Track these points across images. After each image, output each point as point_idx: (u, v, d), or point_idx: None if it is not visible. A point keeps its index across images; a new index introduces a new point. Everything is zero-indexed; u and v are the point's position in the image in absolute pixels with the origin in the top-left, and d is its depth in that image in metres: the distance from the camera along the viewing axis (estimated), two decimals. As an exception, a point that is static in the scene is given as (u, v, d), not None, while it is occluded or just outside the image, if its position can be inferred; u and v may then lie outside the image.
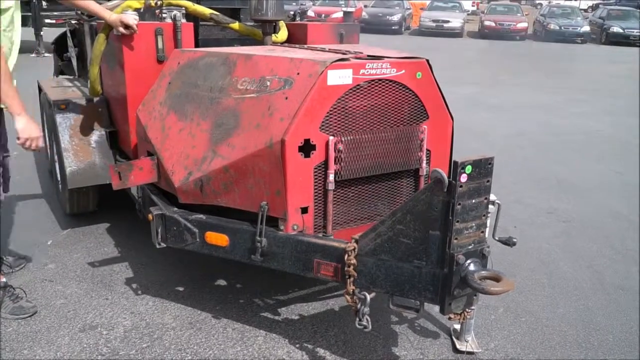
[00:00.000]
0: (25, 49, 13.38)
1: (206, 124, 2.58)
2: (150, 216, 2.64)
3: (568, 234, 4.08)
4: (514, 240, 2.54)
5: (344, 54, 2.50)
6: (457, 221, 2.00)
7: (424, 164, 2.62)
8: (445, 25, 24.02)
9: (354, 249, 2.22)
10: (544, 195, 4.88)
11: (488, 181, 2.04)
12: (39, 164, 5.16)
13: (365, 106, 2.41)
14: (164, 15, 3.25)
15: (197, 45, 3.44)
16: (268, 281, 3.16)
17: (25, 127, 2.59)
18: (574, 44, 22.83)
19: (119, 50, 3.12)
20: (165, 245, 2.67)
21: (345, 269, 2.23)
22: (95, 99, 3.62)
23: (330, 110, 2.32)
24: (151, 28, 3.12)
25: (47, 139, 4.26)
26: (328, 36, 3.67)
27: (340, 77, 2.30)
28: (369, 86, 2.39)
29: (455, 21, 24.21)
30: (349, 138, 2.36)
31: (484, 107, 8.92)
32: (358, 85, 2.36)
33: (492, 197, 2.45)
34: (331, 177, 2.36)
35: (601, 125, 7.84)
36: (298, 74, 2.32)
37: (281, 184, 2.29)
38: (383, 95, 2.44)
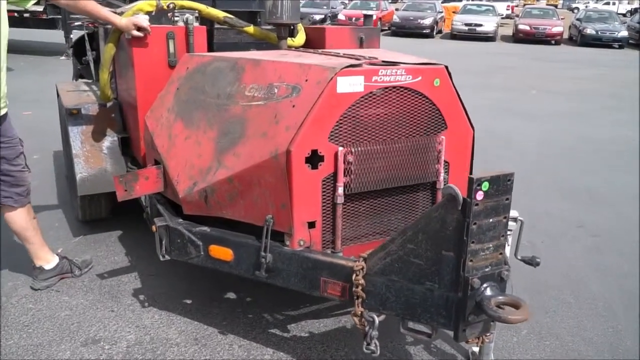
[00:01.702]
0: (55, 51, 13.75)
1: (213, 132, 2.48)
2: (153, 227, 2.55)
3: (598, 250, 3.85)
4: (538, 260, 2.36)
5: (357, 59, 2.36)
6: (473, 242, 1.83)
7: (442, 177, 2.45)
8: (478, 29, 23.62)
9: (362, 268, 2.07)
10: (574, 208, 4.63)
11: (507, 199, 1.87)
12: (59, 168, 5.15)
13: (378, 115, 2.26)
14: (176, 18, 3.17)
15: (211, 49, 3.35)
16: (279, 295, 3.03)
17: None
18: (611, 49, 22.17)
19: (129, 54, 3.04)
20: (169, 258, 2.57)
21: (353, 289, 2.09)
22: (109, 105, 3.56)
23: (340, 120, 2.18)
24: (163, 32, 3.04)
25: (64, 143, 4.24)
26: (347, 40, 3.54)
27: (351, 85, 2.16)
28: (382, 94, 2.24)
29: (488, 25, 23.78)
30: (359, 149, 2.22)
31: (514, 113, 8.65)
32: (370, 93, 2.22)
33: (514, 213, 2.29)
34: (340, 190, 2.22)
35: (635, 135, 7.47)
36: (306, 80, 2.19)
37: (287, 197, 2.17)
38: (397, 104, 2.29)
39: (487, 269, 1.89)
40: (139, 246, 3.62)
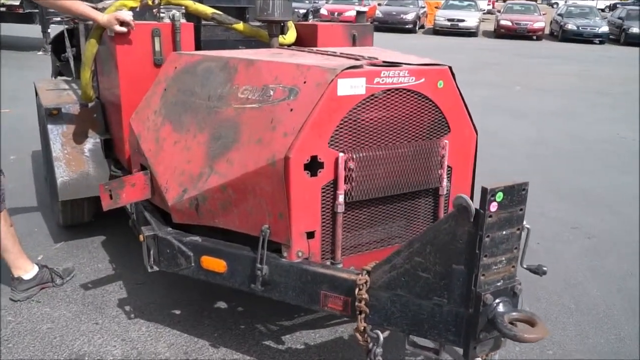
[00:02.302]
0: (33, 46, 13.36)
1: (203, 136, 2.34)
2: (141, 237, 2.40)
3: (595, 252, 3.79)
4: (544, 268, 2.26)
5: (356, 59, 2.24)
6: (485, 255, 1.73)
7: (445, 183, 2.35)
8: (461, 24, 23.66)
9: (365, 282, 1.96)
10: (569, 208, 4.58)
11: (521, 209, 1.77)
12: (37, 169, 4.95)
13: (380, 119, 2.14)
14: (162, 14, 3.01)
15: (198, 47, 3.20)
16: (272, 304, 2.86)
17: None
18: (592, 44, 22.36)
19: (112, 53, 2.89)
20: (157, 269, 2.43)
21: (356, 304, 1.98)
22: (91, 104, 3.39)
23: (341, 124, 2.06)
24: (147, 29, 2.89)
25: (43, 144, 4.05)
26: (340, 38, 3.41)
27: (352, 87, 2.04)
28: (384, 97, 2.13)
29: (470, 20, 23.83)
30: (361, 155, 2.10)
31: (502, 111, 8.61)
32: (372, 95, 2.10)
33: (521, 221, 2.19)
34: (341, 199, 2.10)
35: (627, 133, 7.48)
36: (305, 82, 2.06)
37: (284, 206, 2.04)
38: (400, 107, 2.18)
39: (499, 284, 1.79)
40: (124, 253, 3.46)
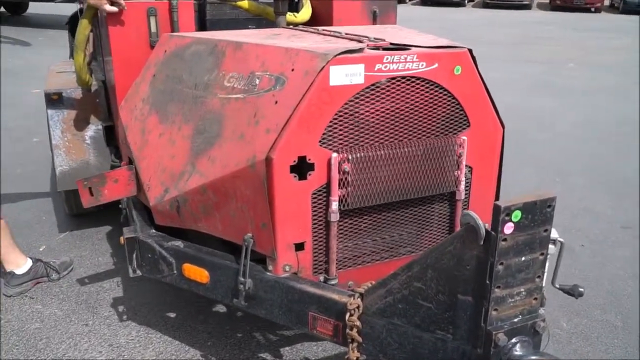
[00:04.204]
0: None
1: (188, 129, 2.08)
2: (121, 239, 2.18)
3: (649, 257, 3.36)
4: (581, 289, 1.92)
5: (359, 41, 1.91)
6: (498, 286, 1.41)
7: (462, 186, 2.01)
8: (513, -4, 22.50)
9: (357, 307, 1.67)
10: (619, 204, 4.10)
11: (546, 230, 1.43)
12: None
13: (382, 112, 1.82)
14: (159, -9, 2.74)
15: (203, 27, 2.93)
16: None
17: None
18: (657, 16, 20.83)
19: (105, 34, 2.65)
20: (140, 274, 2.21)
21: (347, 331, 1.69)
22: (93, 89, 3.19)
23: (334, 119, 1.75)
24: (142, 7, 2.62)
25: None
26: (358, 15, 3.05)
27: (348, 75, 1.72)
28: (388, 86, 1.80)
29: (523, -8, 22.62)
30: (358, 155, 1.79)
31: (551, 90, 8.01)
32: (374, 84, 1.77)
33: (553, 233, 1.85)
34: (334, 206, 1.80)
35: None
36: (292, 70, 1.76)
37: (267, 214, 1.76)
38: (408, 98, 1.84)
39: (516, 320, 1.47)
40: (126, 246, 3.28)
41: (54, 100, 3.18)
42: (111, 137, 3.16)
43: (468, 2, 23.91)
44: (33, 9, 15.71)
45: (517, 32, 14.89)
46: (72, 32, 4.71)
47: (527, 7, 22.53)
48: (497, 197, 2.15)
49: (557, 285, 1.91)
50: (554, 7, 22.46)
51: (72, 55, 4.86)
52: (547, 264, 1.87)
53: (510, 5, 22.32)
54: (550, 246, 1.88)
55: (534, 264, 1.45)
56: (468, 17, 18.98)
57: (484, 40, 12.94)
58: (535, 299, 1.50)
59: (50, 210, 3.78)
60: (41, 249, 3.27)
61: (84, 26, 2.73)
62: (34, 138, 5.17)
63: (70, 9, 3.07)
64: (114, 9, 2.53)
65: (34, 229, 3.50)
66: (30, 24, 13.97)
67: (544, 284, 1.63)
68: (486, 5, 22.92)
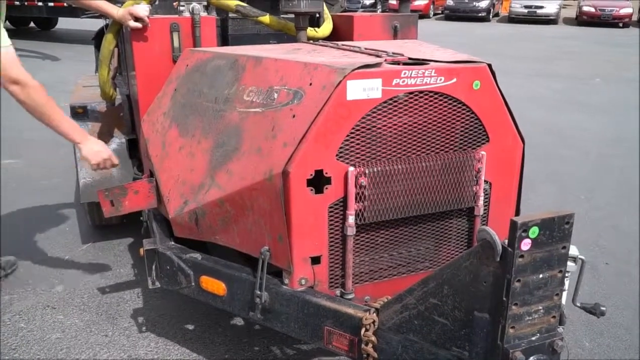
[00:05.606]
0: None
1: (207, 142, 2.10)
2: (141, 250, 2.21)
3: (677, 276, 3.26)
4: (603, 308, 1.87)
5: (377, 56, 1.92)
6: (516, 304, 1.38)
7: (481, 201, 1.99)
8: (539, 11, 22.26)
9: (373, 322, 1.66)
10: (647, 221, 4.02)
11: (564, 247, 1.41)
12: (82, 164, 4.94)
13: (400, 126, 1.82)
14: (181, 8, 2.80)
15: (225, 42, 2.98)
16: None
17: (90, 153, 2.36)
18: (687, 31, 20.41)
19: (129, 49, 2.71)
20: (159, 286, 2.23)
21: (363, 346, 1.68)
22: (118, 103, 3.26)
23: (351, 133, 1.76)
24: (165, 23, 2.68)
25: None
26: (379, 30, 3.07)
27: (365, 90, 1.73)
28: (406, 101, 1.80)
29: (549, 7, 22.36)
30: (375, 169, 1.79)
31: (577, 105, 7.89)
32: (391, 99, 1.78)
33: (573, 251, 1.81)
34: (351, 220, 1.80)
35: None
36: (310, 84, 1.77)
37: (283, 227, 1.77)
38: (426, 112, 1.84)
39: (534, 338, 1.44)
40: (147, 257, 3.32)
41: (79, 113, 3.25)
42: (134, 150, 3.22)
43: (493, 17, 23.79)
44: (62, 24, 16.13)
45: (543, 47, 14.75)
46: (98, 47, 4.83)
47: (553, 22, 22.29)
48: (517, 213, 2.12)
49: (579, 304, 1.87)
50: (580, 23, 22.19)
51: (97, 70, 5.00)
52: (567, 282, 1.85)
53: (536, 20, 22.11)
54: (571, 264, 1.86)
55: (552, 282, 1.42)
56: (492, 32, 18.89)
57: (508, 55, 12.85)
58: (554, 317, 1.47)
59: (73, 222, 3.85)
60: (65, 259, 3.32)
61: (108, 41, 2.80)
62: (62, 149, 5.29)
63: (98, 24, 3.18)
64: (138, 25, 2.59)
65: (57, 240, 3.57)
66: (60, 39, 14.33)
67: (564, 302, 1.61)
68: (511, 20, 22.75)
